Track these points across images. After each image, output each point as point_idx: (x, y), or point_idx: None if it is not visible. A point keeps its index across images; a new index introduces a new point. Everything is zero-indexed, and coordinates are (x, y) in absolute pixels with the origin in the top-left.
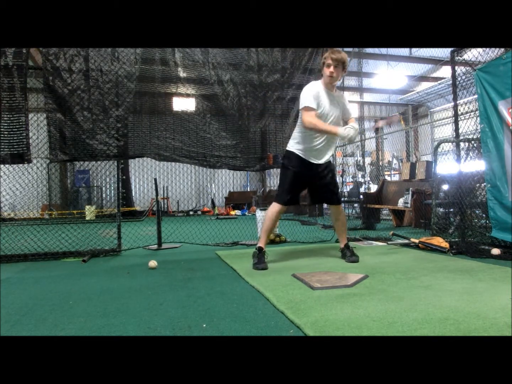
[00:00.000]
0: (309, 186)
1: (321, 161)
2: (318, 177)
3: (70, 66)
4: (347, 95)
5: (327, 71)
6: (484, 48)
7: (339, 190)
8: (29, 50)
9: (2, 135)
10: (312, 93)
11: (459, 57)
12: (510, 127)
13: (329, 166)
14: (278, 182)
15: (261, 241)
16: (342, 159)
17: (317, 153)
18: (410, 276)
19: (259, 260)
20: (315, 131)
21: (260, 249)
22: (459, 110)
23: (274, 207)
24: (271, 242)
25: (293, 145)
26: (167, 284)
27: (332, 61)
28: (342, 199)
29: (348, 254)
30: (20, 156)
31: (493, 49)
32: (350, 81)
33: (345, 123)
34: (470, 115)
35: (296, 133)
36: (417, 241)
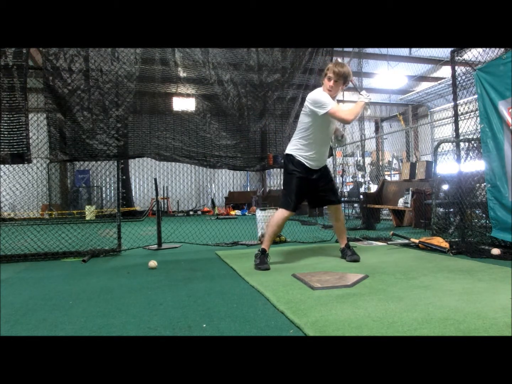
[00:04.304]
0: (311, 191)
1: (320, 166)
2: (319, 181)
3: (70, 66)
4: (347, 95)
5: (327, 84)
6: (484, 48)
7: (339, 190)
8: (29, 50)
9: (2, 135)
10: (328, 96)
11: (459, 57)
12: (510, 127)
13: (325, 168)
14: (283, 187)
15: (265, 243)
16: (342, 159)
17: (317, 159)
18: (410, 276)
19: (261, 261)
20: (355, 118)
21: (263, 251)
22: (459, 110)
23: (282, 213)
24: None
25: (295, 151)
26: (167, 284)
27: (334, 75)
28: (342, 199)
29: (349, 253)
30: (20, 156)
31: (493, 49)
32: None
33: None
34: (470, 115)
35: (296, 141)
36: (417, 241)
